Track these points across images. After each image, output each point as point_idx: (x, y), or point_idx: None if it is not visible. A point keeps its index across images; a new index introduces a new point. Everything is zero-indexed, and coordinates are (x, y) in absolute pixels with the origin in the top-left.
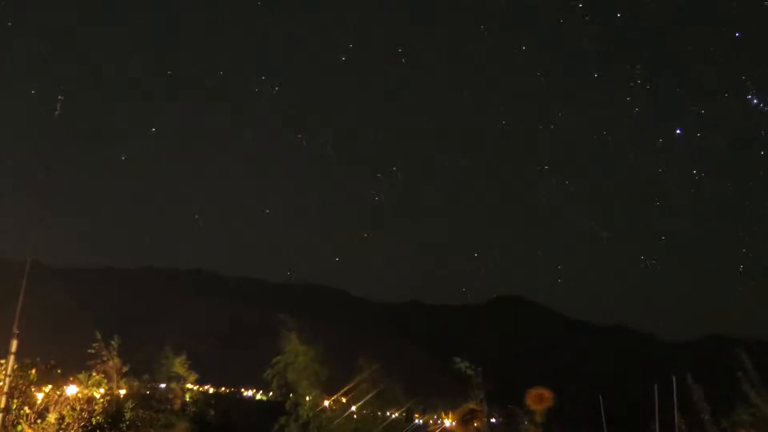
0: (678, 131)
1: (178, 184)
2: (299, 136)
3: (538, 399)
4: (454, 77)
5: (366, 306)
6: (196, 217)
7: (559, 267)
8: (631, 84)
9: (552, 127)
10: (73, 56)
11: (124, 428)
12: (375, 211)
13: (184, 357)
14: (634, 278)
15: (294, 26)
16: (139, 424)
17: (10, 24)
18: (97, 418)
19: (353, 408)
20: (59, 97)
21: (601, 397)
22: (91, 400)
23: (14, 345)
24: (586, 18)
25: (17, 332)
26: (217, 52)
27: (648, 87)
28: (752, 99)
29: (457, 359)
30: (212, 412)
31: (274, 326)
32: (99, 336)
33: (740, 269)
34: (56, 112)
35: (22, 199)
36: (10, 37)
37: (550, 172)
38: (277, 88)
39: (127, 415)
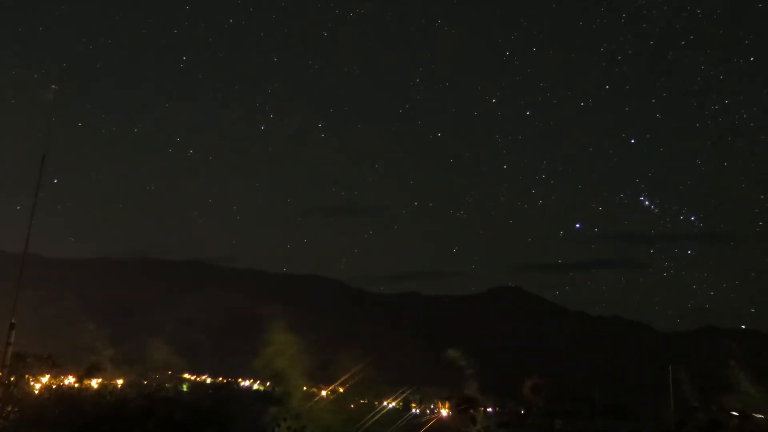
0: (577, 225)
1: (177, 175)
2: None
3: (534, 389)
4: (369, 154)
5: (363, 297)
6: (195, 213)
7: (559, 261)
8: (537, 177)
9: (461, 212)
10: (60, 52)
11: (123, 419)
12: (371, 201)
13: (178, 348)
14: (632, 270)
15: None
16: (138, 415)
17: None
18: (93, 408)
19: (349, 398)
20: (53, 86)
21: (597, 387)
22: (86, 390)
23: (12, 335)
24: (499, 114)
25: (14, 323)
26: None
27: (551, 182)
28: (644, 201)
29: (452, 350)
30: (208, 402)
31: (272, 317)
32: (95, 327)
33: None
34: (50, 97)
35: (18, 191)
36: (5, 31)
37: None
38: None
39: (127, 406)
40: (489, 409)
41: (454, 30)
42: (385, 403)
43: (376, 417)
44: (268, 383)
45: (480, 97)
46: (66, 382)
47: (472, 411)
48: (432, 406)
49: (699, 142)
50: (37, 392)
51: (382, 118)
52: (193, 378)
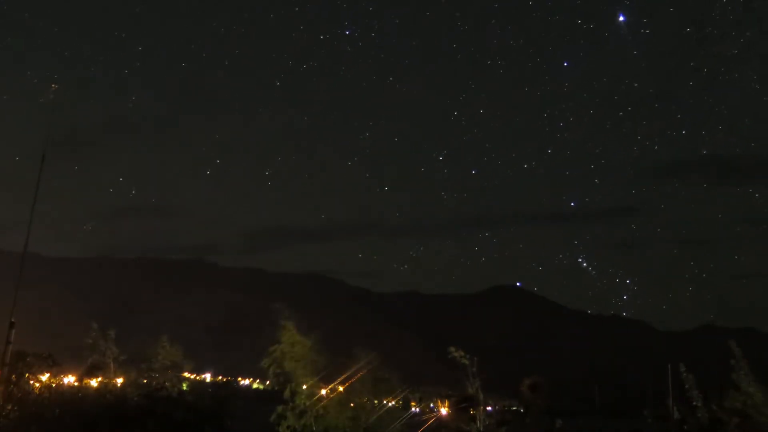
0: (518, 284)
1: (177, 174)
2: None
3: (534, 388)
4: (315, 203)
5: (364, 295)
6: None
7: (560, 257)
8: (480, 236)
9: (404, 267)
10: (62, 53)
11: (123, 418)
12: (372, 201)
13: (179, 346)
14: (631, 269)
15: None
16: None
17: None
18: (94, 408)
19: (350, 397)
20: (53, 86)
21: (597, 386)
22: (86, 389)
23: (12, 334)
24: (445, 171)
25: (14, 321)
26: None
27: (494, 240)
28: (582, 262)
29: (453, 348)
30: (208, 401)
31: (272, 316)
32: (95, 326)
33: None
34: (50, 96)
35: (18, 191)
36: (6, 32)
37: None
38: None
39: (127, 405)
40: (489, 408)
41: (404, 88)
42: (384, 402)
43: (377, 416)
44: (267, 382)
45: (427, 154)
46: (66, 381)
47: (471, 410)
48: (431, 405)
49: (635, 209)
50: (37, 391)
51: (329, 169)
52: (193, 377)
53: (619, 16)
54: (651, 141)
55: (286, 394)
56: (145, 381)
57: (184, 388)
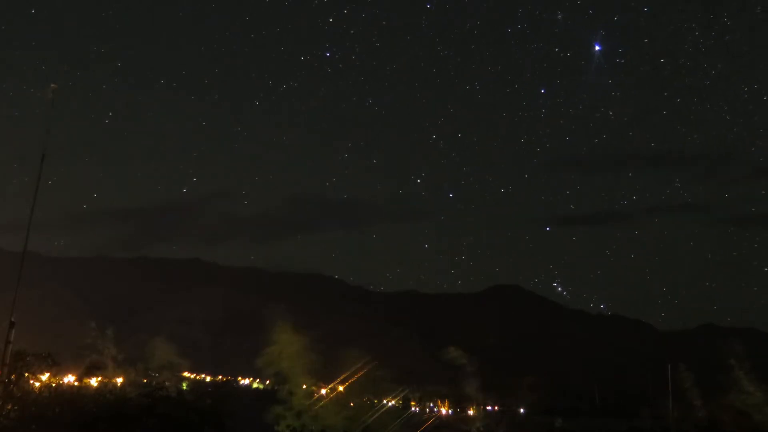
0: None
1: (176, 173)
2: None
3: (533, 388)
4: (290, 224)
5: (363, 295)
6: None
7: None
8: (456, 259)
9: (382, 288)
10: (60, 52)
11: (123, 418)
12: (372, 201)
13: (178, 346)
14: (630, 268)
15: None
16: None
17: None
18: (94, 407)
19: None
20: (52, 85)
21: (596, 385)
22: (86, 389)
23: (12, 334)
24: (423, 194)
25: (14, 321)
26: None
27: (471, 263)
28: (557, 286)
29: (451, 348)
30: (208, 401)
31: (271, 316)
32: (94, 326)
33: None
34: (50, 95)
35: (17, 190)
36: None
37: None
38: None
39: (127, 405)
40: (488, 407)
41: (383, 111)
42: (384, 402)
43: (376, 415)
44: (267, 381)
45: (405, 177)
46: (66, 380)
47: (471, 409)
48: (431, 404)
49: (609, 233)
50: (36, 390)
51: (308, 190)
52: (193, 376)
53: (595, 46)
54: (625, 167)
55: (283, 394)
56: (144, 381)
57: (184, 387)
